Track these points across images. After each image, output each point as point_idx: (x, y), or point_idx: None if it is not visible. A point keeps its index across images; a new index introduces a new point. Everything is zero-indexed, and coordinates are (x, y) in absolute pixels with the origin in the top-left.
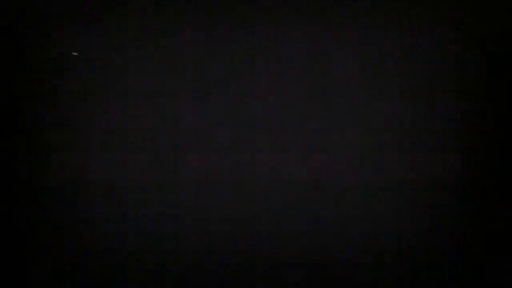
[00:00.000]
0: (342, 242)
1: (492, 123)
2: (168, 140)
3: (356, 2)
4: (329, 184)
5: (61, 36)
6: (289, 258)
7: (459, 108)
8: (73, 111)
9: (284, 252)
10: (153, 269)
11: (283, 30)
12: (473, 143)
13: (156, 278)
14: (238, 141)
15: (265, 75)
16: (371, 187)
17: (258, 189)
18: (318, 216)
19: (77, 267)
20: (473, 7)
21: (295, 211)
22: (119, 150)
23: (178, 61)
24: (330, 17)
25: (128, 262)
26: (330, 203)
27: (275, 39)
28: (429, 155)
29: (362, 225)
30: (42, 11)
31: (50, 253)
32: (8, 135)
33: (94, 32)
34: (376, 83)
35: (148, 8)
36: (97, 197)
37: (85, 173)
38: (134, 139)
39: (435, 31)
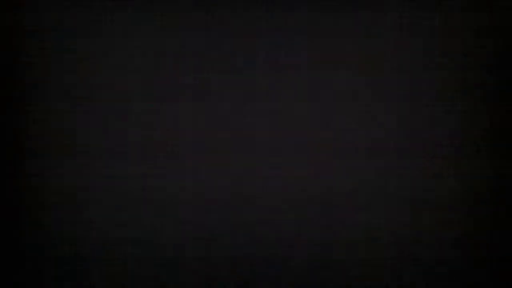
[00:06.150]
0: (342, 248)
1: (494, 124)
2: (166, 142)
3: (357, 3)
4: (329, 188)
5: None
6: (289, 262)
7: (461, 109)
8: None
9: (284, 258)
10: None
11: (283, 28)
12: (474, 144)
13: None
14: (237, 142)
15: (264, 75)
16: (371, 191)
17: (257, 191)
18: (319, 220)
19: (76, 267)
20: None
21: (296, 216)
22: (117, 152)
23: (176, 61)
24: (331, 16)
25: (127, 263)
26: (330, 207)
27: (275, 38)
28: (431, 159)
29: (362, 229)
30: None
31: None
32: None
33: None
34: (377, 84)
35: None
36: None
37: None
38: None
39: (436, 30)
